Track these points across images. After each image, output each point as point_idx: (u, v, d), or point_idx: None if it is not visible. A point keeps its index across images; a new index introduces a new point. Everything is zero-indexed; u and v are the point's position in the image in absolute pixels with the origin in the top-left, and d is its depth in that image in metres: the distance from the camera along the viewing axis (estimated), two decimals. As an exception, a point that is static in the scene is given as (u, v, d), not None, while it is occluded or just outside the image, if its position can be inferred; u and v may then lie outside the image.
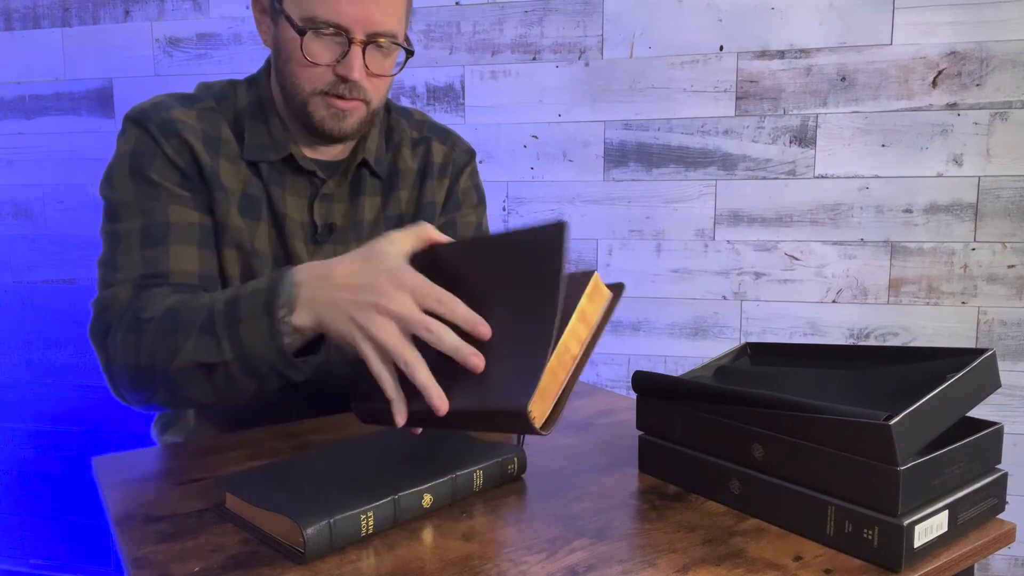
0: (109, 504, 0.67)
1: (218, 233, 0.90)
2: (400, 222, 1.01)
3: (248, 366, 0.72)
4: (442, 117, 1.62)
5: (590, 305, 0.61)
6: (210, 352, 0.72)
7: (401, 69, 0.91)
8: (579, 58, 1.57)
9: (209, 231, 0.90)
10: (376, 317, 0.62)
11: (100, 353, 0.82)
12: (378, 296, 0.62)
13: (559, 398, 0.58)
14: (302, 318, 0.68)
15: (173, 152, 0.88)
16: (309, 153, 0.95)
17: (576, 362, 0.59)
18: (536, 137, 1.60)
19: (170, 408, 0.83)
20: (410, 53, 0.91)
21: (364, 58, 0.85)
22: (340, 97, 0.87)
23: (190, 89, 0.98)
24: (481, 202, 1.11)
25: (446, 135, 1.07)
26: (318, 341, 0.72)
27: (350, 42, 0.84)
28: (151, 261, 0.85)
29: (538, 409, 0.56)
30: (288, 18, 0.85)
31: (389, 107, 1.04)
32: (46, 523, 1.94)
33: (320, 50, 0.85)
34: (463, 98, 1.62)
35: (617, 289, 0.64)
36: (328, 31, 0.83)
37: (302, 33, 0.83)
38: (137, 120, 0.90)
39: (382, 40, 0.85)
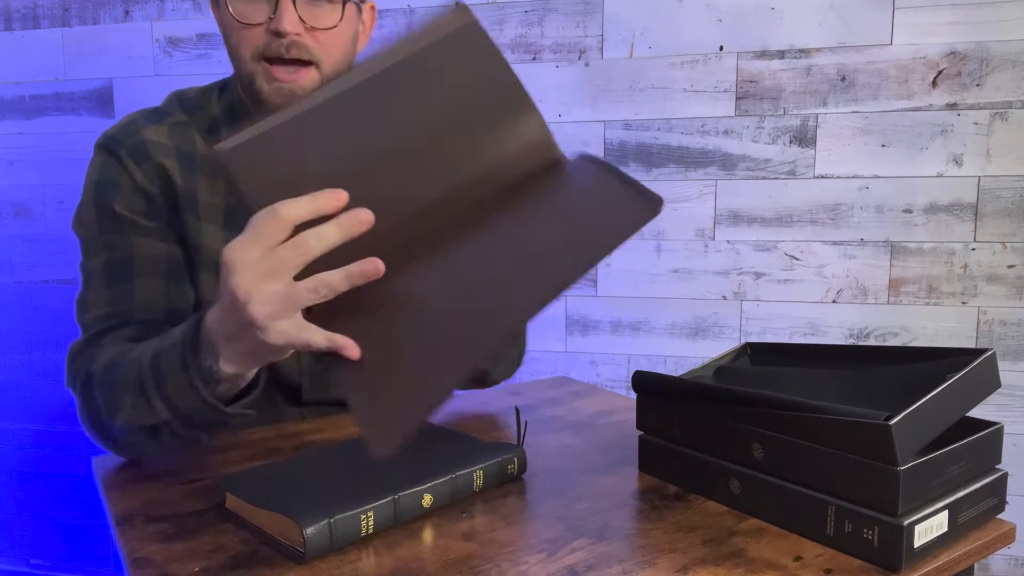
0: (109, 504, 0.67)
1: (192, 258, 0.87)
2: None
3: (187, 422, 0.68)
4: (442, 117, 1.62)
5: None
6: (147, 414, 0.68)
7: (350, 25, 0.84)
8: (579, 58, 1.57)
9: (177, 262, 0.86)
10: (262, 328, 0.55)
11: (76, 399, 0.80)
12: (244, 308, 0.55)
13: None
14: (228, 367, 0.62)
15: (143, 178, 0.85)
16: None
17: None
18: (536, 137, 1.60)
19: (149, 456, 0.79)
20: (346, 1, 0.83)
21: (297, 9, 0.79)
22: (280, 60, 0.81)
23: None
24: None
25: None
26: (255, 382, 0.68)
27: None
28: (116, 299, 0.83)
29: None
30: None
31: None
32: (46, 523, 1.93)
33: (248, 8, 0.80)
34: (463, 98, 1.62)
35: None
36: None
37: None
38: (106, 146, 0.87)
39: None
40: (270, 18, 0.79)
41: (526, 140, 0.59)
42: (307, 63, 0.82)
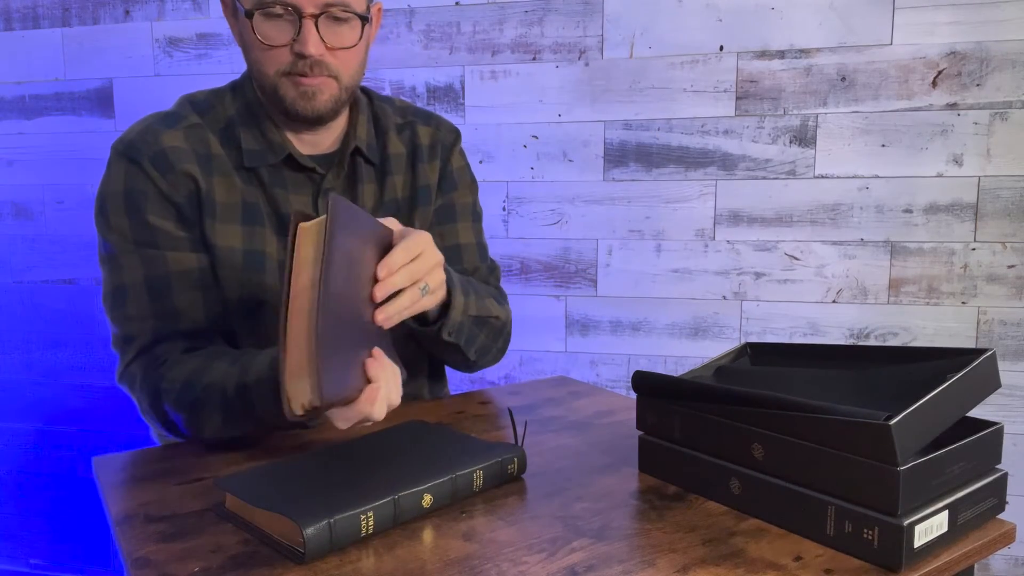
0: (109, 504, 0.67)
1: (213, 259, 0.90)
2: (396, 208, 1.01)
3: (268, 429, 0.83)
4: (442, 117, 1.62)
5: (304, 248, 0.60)
6: (233, 430, 0.80)
7: (365, 40, 0.89)
8: (579, 58, 1.57)
9: (207, 269, 0.90)
10: None
11: (134, 398, 0.88)
12: None
13: (313, 361, 0.58)
14: None
15: (169, 187, 0.88)
16: (302, 148, 0.94)
17: (313, 306, 0.58)
18: (536, 137, 1.60)
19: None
20: (364, 20, 0.88)
21: (319, 32, 0.84)
22: (304, 75, 0.86)
23: (189, 90, 0.97)
24: (473, 182, 1.10)
25: (429, 117, 1.07)
26: None
27: (301, 17, 0.83)
28: (159, 313, 0.87)
29: (299, 392, 0.59)
30: (240, 5, 0.85)
31: (371, 95, 1.04)
32: (46, 523, 1.94)
33: (273, 31, 0.84)
34: (463, 98, 1.62)
35: (327, 206, 0.60)
36: (277, 10, 0.83)
37: (250, 16, 0.83)
38: (126, 154, 0.88)
39: (334, 10, 0.84)
40: (293, 40, 0.84)
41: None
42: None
